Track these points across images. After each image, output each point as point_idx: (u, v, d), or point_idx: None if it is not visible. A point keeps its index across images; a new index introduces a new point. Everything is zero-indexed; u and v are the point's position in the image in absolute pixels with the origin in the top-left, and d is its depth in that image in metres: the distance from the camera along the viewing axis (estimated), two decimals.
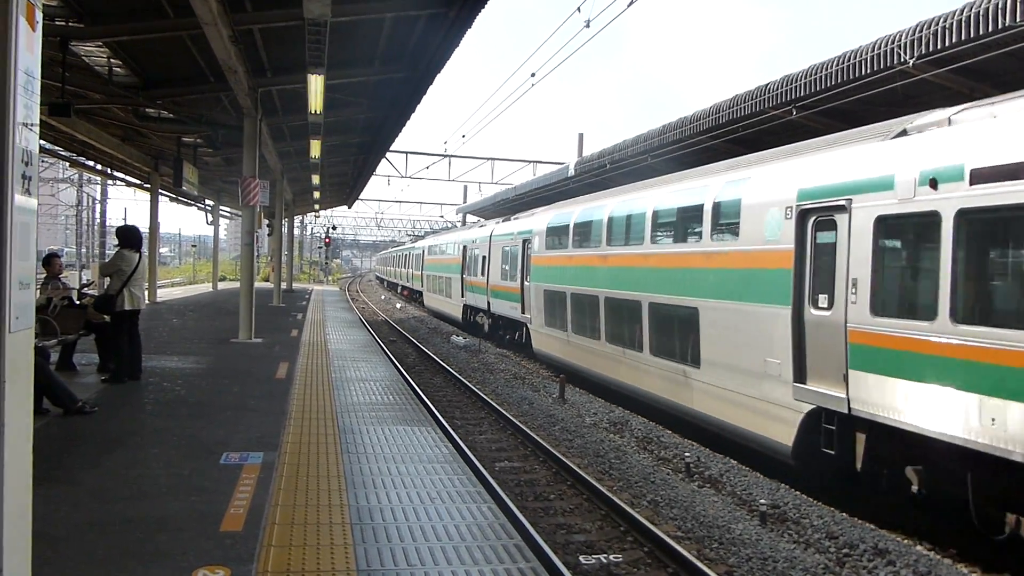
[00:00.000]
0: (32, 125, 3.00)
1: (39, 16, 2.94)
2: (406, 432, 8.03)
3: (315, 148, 18.85)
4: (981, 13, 8.51)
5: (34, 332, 3.21)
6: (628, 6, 10.13)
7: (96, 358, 10.70)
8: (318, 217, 69.71)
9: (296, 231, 53.18)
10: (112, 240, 41.83)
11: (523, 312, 20.10)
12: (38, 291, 10.44)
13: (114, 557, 4.36)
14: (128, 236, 10.02)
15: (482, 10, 10.42)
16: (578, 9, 11.32)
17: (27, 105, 2.92)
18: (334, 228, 72.17)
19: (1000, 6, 8.32)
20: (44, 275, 10.96)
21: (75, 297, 10.38)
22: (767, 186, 9.53)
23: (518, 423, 11.72)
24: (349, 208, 54.38)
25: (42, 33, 3.09)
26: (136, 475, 5.92)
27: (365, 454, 7.03)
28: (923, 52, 9.24)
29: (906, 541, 7.53)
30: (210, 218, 34.70)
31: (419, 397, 12.57)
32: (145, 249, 10.76)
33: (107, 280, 9.98)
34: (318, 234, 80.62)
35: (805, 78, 11.15)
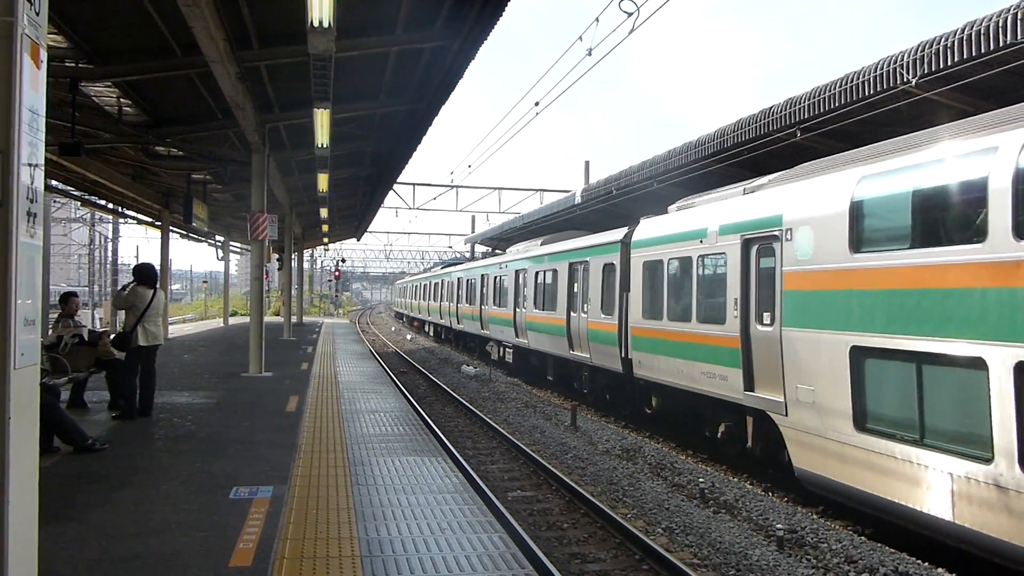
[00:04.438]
0: (37, 163, 3.03)
1: (44, 55, 2.98)
2: (417, 463, 7.97)
3: (323, 182, 19.01)
4: (982, 31, 8.53)
5: (40, 369, 3.22)
6: (629, 34, 10.21)
7: (107, 395, 10.71)
8: (327, 250, 70.09)
9: (305, 265, 53.44)
10: (123, 278, 42.24)
11: None
12: (51, 329, 10.51)
13: None
14: (143, 273, 10.13)
15: (485, 41, 10.56)
16: (580, 38, 11.41)
17: (32, 143, 2.95)
18: (343, 261, 72.40)
19: (1000, 24, 8.34)
20: (59, 313, 11.04)
21: (85, 335, 10.42)
22: None
23: (530, 452, 11.63)
24: (358, 240, 54.54)
25: (52, 75, 3.14)
26: (146, 511, 5.90)
27: (375, 486, 6.98)
28: (925, 71, 9.25)
29: (926, 565, 7.39)
30: (220, 254, 34.94)
31: (430, 427, 12.51)
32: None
33: (122, 315, 10.05)
34: (328, 267, 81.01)
35: (809, 100, 11.18)
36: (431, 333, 42.02)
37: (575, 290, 17.02)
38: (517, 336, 21.64)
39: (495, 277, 24.68)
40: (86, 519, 5.69)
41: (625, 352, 14.04)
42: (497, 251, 31.64)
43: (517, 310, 21.55)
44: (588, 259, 16.12)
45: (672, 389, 12.40)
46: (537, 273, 19.88)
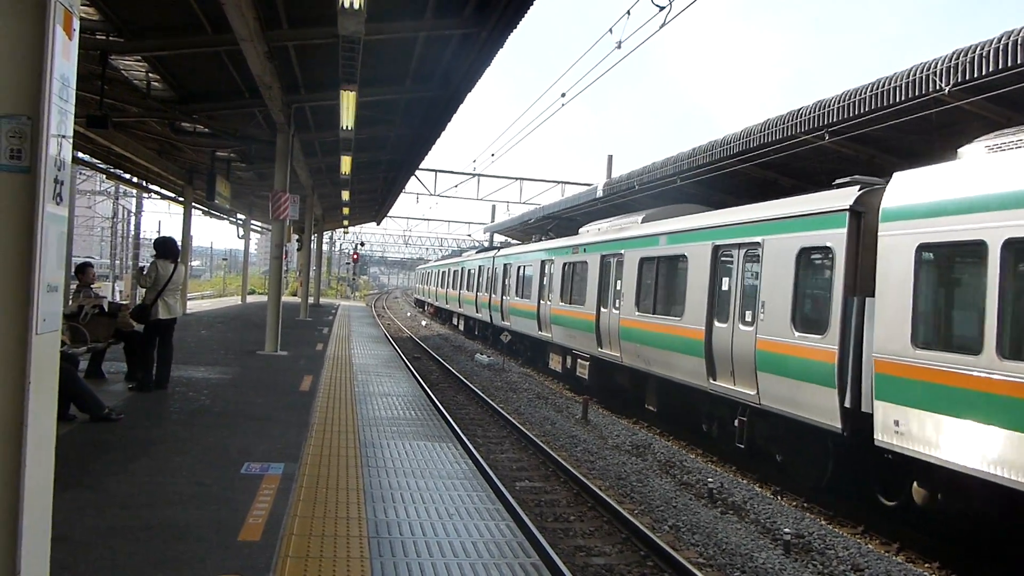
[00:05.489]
0: (66, 132, 3.05)
1: (76, 24, 3.00)
2: (427, 447, 8.01)
3: (346, 164, 19.06)
4: (1020, 42, 8.39)
5: (60, 337, 3.25)
6: (660, 28, 10.14)
7: (124, 366, 10.83)
8: (347, 233, 70.43)
9: (325, 247, 53.66)
10: (145, 252, 42.61)
11: None
12: (71, 299, 10.63)
13: (134, 563, 4.38)
14: (163, 247, 10.24)
15: (514, 30, 10.52)
16: (610, 30, 11.35)
17: (62, 111, 2.97)
18: (362, 244, 72.67)
19: None
20: (77, 283, 11.17)
21: (106, 306, 10.53)
22: None
23: (540, 443, 11.66)
24: (378, 225, 54.83)
25: (83, 47, 3.15)
26: (159, 482, 5.96)
27: (385, 468, 7.02)
28: (959, 80, 9.12)
29: None
30: (241, 232, 35.16)
31: (441, 413, 12.55)
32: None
33: (142, 290, 10.16)
34: (346, 250, 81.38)
35: (838, 103, 11.06)
36: (461, 327, 35.50)
37: (723, 287, 11.46)
38: (601, 346, 15.98)
39: (565, 265, 18.90)
40: (100, 487, 5.76)
41: (856, 400, 8.47)
42: (544, 236, 24.56)
43: (603, 311, 15.99)
44: (761, 240, 10.43)
45: (1001, 492, 6.71)
46: (642, 261, 14.30)
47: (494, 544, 5.22)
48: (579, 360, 17.54)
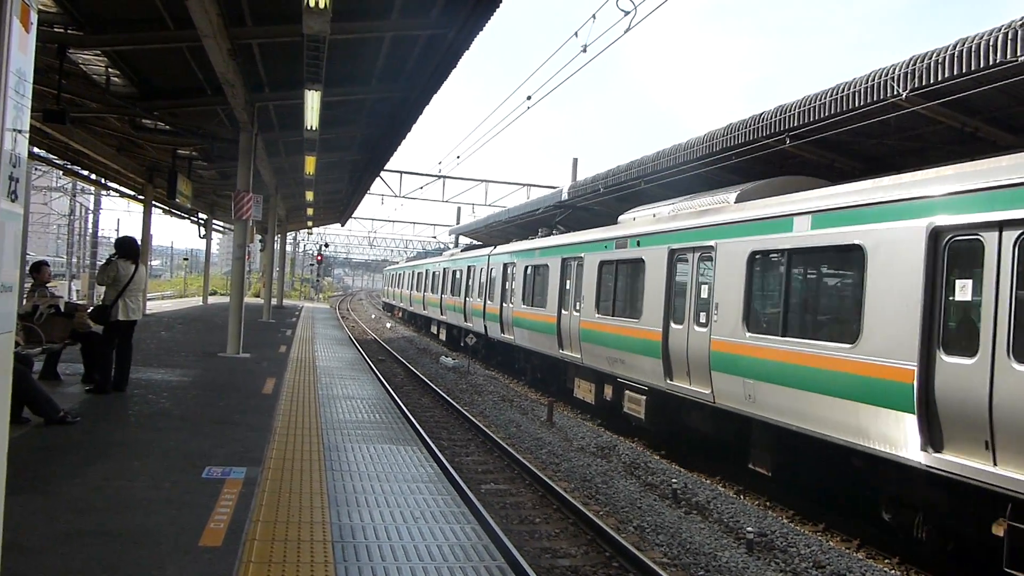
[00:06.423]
0: (21, 127, 2.97)
1: (34, 17, 2.92)
2: (391, 451, 7.95)
3: (310, 165, 18.86)
4: (973, 48, 8.59)
5: (14, 338, 3.16)
6: (625, 32, 10.21)
7: (81, 368, 10.59)
8: (311, 234, 69.77)
9: (288, 247, 53.13)
10: (103, 251, 41.80)
11: None
12: (25, 299, 10.37)
13: (91, 570, 4.27)
14: (124, 247, 10.03)
15: (481, 32, 10.51)
16: (575, 34, 11.40)
17: (17, 107, 2.89)
18: (326, 246, 72.04)
19: (991, 43, 8.40)
20: (32, 283, 10.91)
21: (62, 306, 10.29)
22: None
23: (505, 445, 11.64)
24: (342, 226, 54.37)
25: (40, 40, 3.08)
26: (117, 487, 5.83)
27: (349, 472, 6.96)
28: (916, 85, 9.30)
29: (894, 572, 7.48)
30: (203, 232, 34.63)
31: (406, 417, 12.48)
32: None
33: (102, 290, 9.94)
34: (310, 251, 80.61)
35: (799, 108, 11.22)
36: (443, 337, 31.16)
37: (956, 297, 7.03)
38: (671, 377, 11.71)
39: (602, 264, 14.78)
40: (55, 492, 5.61)
41: None
42: (554, 230, 20.48)
43: (674, 328, 11.74)
44: None
45: None
46: (754, 257, 10.03)
47: (460, 547, 5.20)
48: (629, 393, 13.24)
